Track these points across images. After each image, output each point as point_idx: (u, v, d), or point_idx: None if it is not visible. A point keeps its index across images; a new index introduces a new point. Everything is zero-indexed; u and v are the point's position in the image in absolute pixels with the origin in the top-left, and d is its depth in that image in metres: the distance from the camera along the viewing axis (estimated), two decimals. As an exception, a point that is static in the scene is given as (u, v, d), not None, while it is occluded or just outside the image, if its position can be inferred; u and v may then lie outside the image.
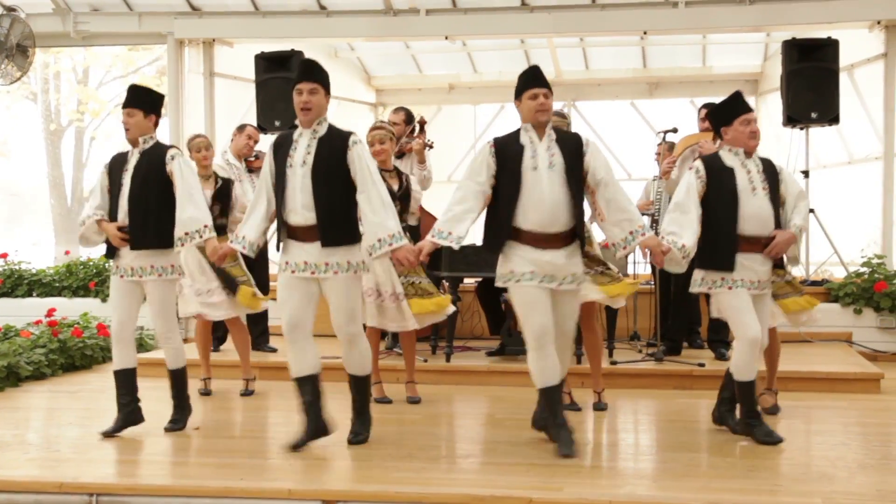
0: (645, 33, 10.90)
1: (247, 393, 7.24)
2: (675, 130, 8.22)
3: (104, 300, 10.05)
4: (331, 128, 5.42)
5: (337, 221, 5.31)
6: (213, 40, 11.01)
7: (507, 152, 5.28)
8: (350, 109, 12.70)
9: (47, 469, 5.08)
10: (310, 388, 5.45)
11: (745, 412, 5.58)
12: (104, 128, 23.75)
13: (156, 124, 5.90)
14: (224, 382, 7.58)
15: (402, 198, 6.63)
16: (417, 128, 8.61)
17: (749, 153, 5.60)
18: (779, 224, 5.57)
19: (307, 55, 10.26)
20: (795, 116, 9.73)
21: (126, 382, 5.83)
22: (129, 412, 5.84)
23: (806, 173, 9.85)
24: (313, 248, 5.29)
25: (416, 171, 8.29)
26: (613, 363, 7.60)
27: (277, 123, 9.95)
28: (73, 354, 8.43)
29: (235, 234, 5.60)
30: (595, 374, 6.59)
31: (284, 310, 5.39)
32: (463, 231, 5.28)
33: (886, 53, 10.01)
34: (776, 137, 11.20)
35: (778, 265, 5.71)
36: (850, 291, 9.09)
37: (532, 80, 5.32)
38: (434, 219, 7.17)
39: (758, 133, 5.61)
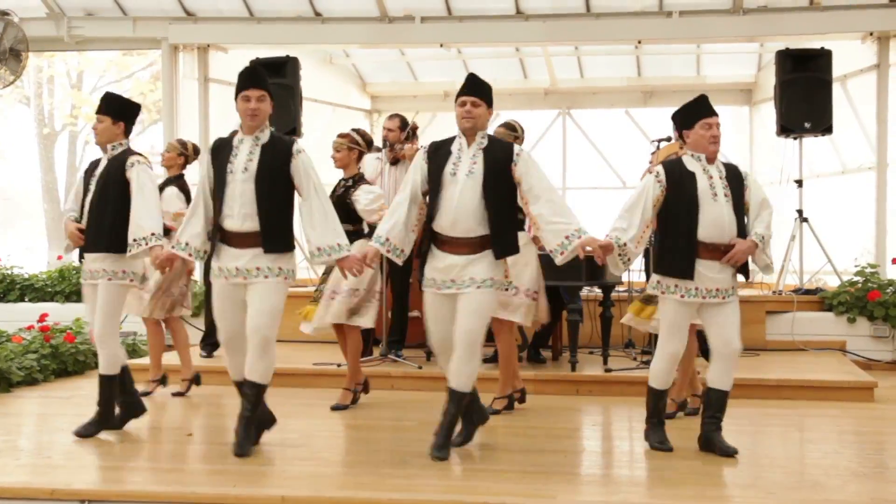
0: (639, 42, 10.94)
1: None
2: (668, 139, 8.23)
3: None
4: (273, 135, 5.44)
5: (277, 229, 5.32)
6: (208, 46, 11.00)
7: (437, 157, 5.37)
8: (345, 116, 12.71)
9: (39, 475, 5.05)
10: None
11: (648, 415, 5.66)
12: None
13: (126, 132, 5.97)
14: (215, 388, 7.56)
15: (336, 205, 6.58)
16: (409, 133, 8.61)
17: (710, 159, 5.45)
18: (742, 232, 5.39)
19: (302, 62, 10.34)
20: (789, 126, 9.76)
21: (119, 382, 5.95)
22: (130, 405, 6.02)
23: (800, 182, 9.88)
24: (246, 254, 5.30)
25: (408, 176, 8.29)
26: (608, 371, 7.61)
27: (272, 129, 9.91)
28: (65, 360, 8.40)
29: (176, 239, 5.57)
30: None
31: (221, 322, 5.46)
32: (398, 239, 5.37)
33: (879, 64, 10.07)
34: (770, 147, 11.25)
35: (743, 273, 5.49)
36: (843, 300, 9.11)
37: (463, 87, 5.44)
38: None
39: (718, 138, 5.46)
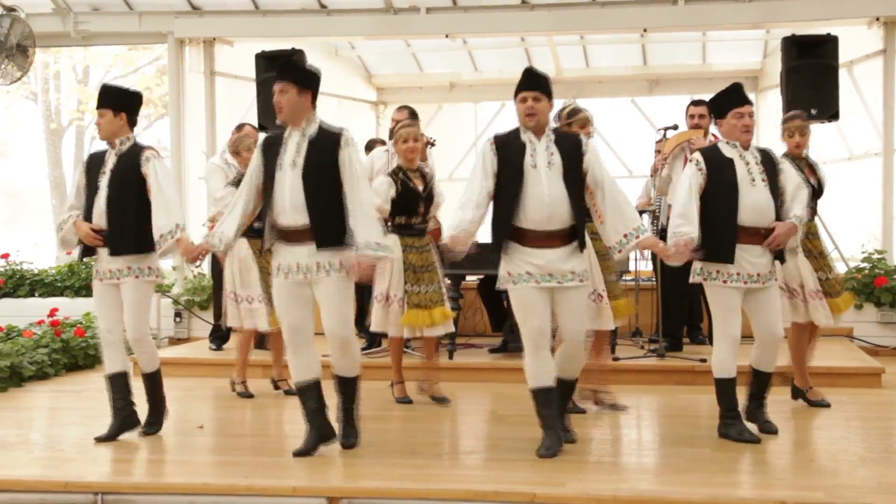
0: (645, 31, 10.92)
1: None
2: (675, 127, 8.23)
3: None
4: (321, 127, 5.29)
5: (330, 223, 5.17)
6: (214, 39, 11.01)
7: (509, 150, 5.23)
8: (351, 108, 12.72)
9: (52, 468, 5.10)
10: (314, 395, 5.34)
11: (723, 410, 5.57)
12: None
13: (130, 123, 5.79)
14: (225, 381, 7.58)
15: (426, 199, 6.68)
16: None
17: (745, 146, 5.56)
18: (779, 216, 5.51)
19: (307, 54, 10.34)
20: (795, 113, 9.73)
21: (120, 386, 5.76)
22: (126, 416, 5.76)
23: (806, 169, 9.86)
24: (304, 251, 5.17)
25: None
26: (616, 359, 7.62)
27: (278, 122, 9.91)
28: (75, 354, 8.45)
29: (212, 231, 5.50)
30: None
31: (284, 317, 5.28)
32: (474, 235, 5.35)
33: (885, 50, 10.01)
34: (777, 133, 11.19)
35: (778, 257, 5.59)
36: (850, 287, 9.09)
37: (522, 82, 5.28)
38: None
39: (751, 127, 5.56)
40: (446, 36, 11.01)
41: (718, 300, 5.49)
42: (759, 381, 5.69)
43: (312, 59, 10.58)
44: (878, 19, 9.99)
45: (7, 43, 10.46)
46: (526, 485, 4.55)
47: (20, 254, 11.12)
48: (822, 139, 10.62)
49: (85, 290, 10.33)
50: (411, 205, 6.57)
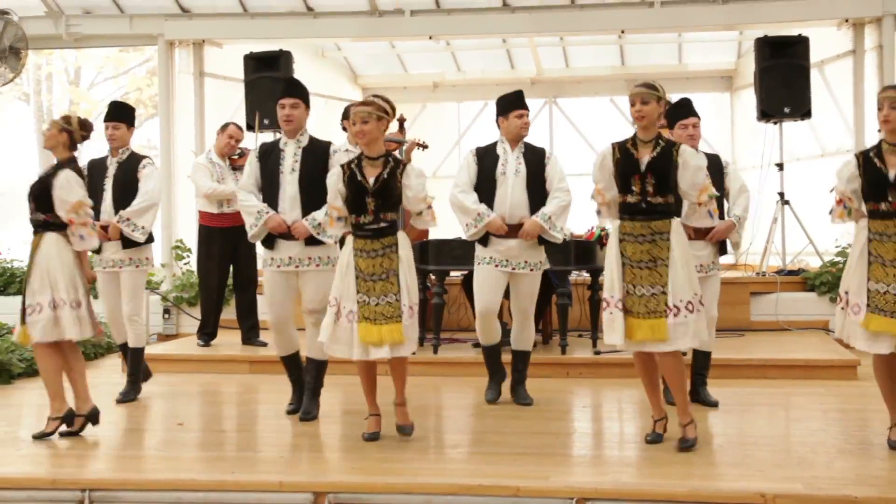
0: (623, 32, 11.09)
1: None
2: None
3: (95, 297, 10.17)
4: (311, 138, 6.10)
5: None
6: (203, 41, 11.09)
7: (486, 161, 6.35)
8: (337, 108, 12.74)
9: (40, 465, 5.12)
10: (296, 362, 6.30)
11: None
12: (95, 128, 23.78)
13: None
14: (213, 377, 7.73)
15: (375, 193, 5.39)
16: (397, 125, 8.71)
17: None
18: (722, 214, 6.22)
19: (295, 55, 10.48)
20: (769, 111, 9.92)
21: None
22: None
23: (780, 166, 10.04)
24: (296, 245, 5.97)
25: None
26: (597, 353, 7.72)
27: (266, 122, 10.07)
28: (65, 352, 8.48)
29: (258, 210, 6.00)
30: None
31: (272, 308, 6.14)
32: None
33: (854, 50, 10.22)
34: (751, 132, 11.42)
35: (721, 251, 6.37)
36: (825, 280, 9.25)
37: (518, 101, 6.34)
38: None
39: (696, 136, 6.21)
40: (430, 37, 11.18)
41: None
42: (703, 361, 6.37)
43: (299, 60, 10.77)
44: (847, 21, 10.22)
45: (0, 45, 10.52)
46: (510, 478, 4.59)
47: (11, 252, 11.18)
48: (795, 137, 10.82)
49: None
50: (357, 200, 5.42)
